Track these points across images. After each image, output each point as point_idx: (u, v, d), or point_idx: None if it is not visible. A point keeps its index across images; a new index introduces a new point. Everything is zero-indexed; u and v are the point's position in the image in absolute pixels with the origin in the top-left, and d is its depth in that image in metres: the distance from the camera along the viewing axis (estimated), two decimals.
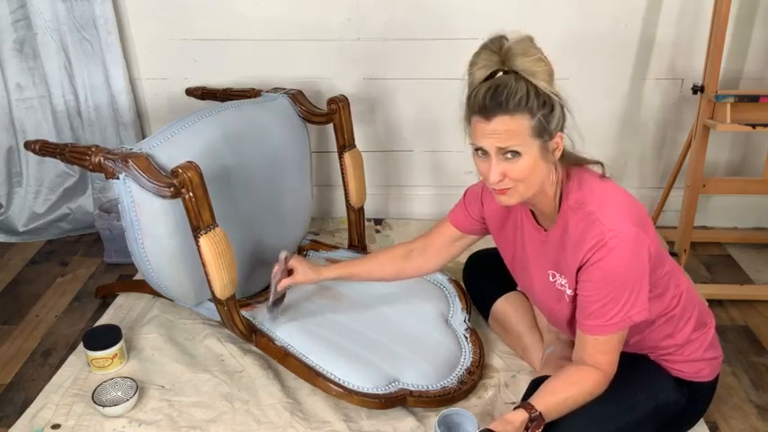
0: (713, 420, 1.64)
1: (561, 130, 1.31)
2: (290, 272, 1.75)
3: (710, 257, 2.35)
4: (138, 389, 1.68)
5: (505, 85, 1.25)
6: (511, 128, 1.26)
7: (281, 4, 2.29)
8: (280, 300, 1.79)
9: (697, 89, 2.07)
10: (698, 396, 1.51)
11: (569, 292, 1.42)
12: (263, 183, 1.94)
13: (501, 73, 1.29)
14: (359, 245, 2.23)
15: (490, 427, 1.30)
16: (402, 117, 2.46)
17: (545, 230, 1.45)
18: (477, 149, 1.33)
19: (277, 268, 1.74)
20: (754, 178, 2.36)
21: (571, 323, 1.48)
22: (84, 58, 2.32)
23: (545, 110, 1.27)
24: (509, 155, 1.29)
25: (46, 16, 2.25)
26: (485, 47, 1.29)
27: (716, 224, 2.52)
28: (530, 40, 1.27)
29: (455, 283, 2.02)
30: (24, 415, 1.67)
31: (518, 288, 1.85)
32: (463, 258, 2.03)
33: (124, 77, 2.34)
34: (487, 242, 1.94)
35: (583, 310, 1.37)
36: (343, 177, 2.13)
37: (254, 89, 2.15)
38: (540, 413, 1.33)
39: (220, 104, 1.95)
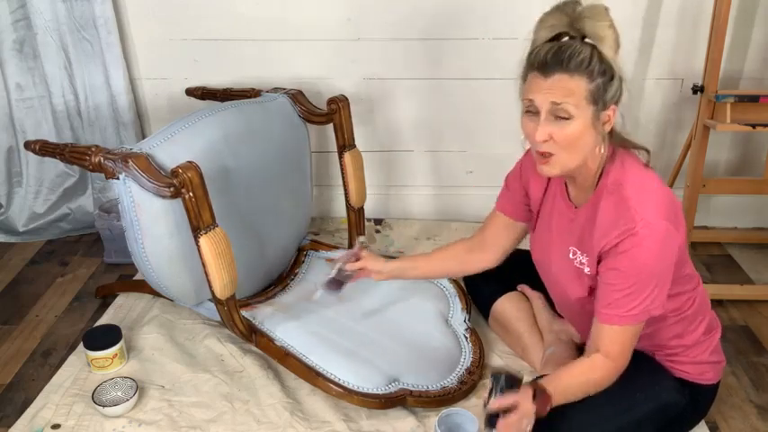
0: (713, 420, 1.64)
1: (616, 103, 1.29)
2: (356, 257, 1.72)
3: (710, 257, 2.35)
4: (138, 389, 1.68)
5: (569, 45, 1.25)
6: (569, 86, 1.25)
7: (281, 4, 2.29)
8: (341, 282, 1.72)
9: (697, 89, 2.07)
10: (699, 398, 1.52)
11: (587, 270, 1.41)
12: (263, 183, 1.94)
13: (567, 38, 1.28)
14: None
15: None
16: (402, 117, 2.46)
17: (575, 208, 1.44)
18: (527, 108, 1.31)
19: (347, 253, 1.72)
20: (754, 178, 2.36)
21: (581, 305, 1.47)
22: (84, 58, 2.32)
23: (604, 77, 1.25)
24: (559, 117, 1.27)
25: (46, 16, 2.25)
26: (557, 8, 1.28)
27: (716, 224, 2.52)
28: (603, 8, 1.25)
29: (455, 282, 2.02)
30: (24, 415, 1.67)
31: (518, 288, 1.85)
32: None
33: (124, 77, 2.34)
34: None
35: (603, 298, 1.35)
36: (343, 177, 2.13)
37: (254, 89, 2.15)
38: (545, 389, 1.32)
39: (220, 104, 1.94)
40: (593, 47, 1.24)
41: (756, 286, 2.18)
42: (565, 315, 1.69)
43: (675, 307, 1.43)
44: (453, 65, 2.33)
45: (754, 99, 2.00)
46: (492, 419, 1.31)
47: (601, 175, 1.37)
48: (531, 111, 1.30)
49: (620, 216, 1.30)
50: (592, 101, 1.26)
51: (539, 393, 1.31)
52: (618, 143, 1.37)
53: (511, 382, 1.32)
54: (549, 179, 1.51)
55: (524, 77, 1.32)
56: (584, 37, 1.27)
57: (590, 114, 1.27)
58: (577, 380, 1.36)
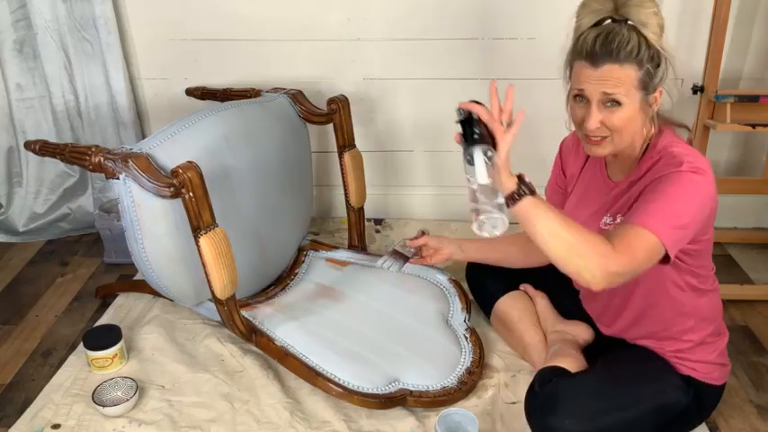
0: (713, 420, 1.64)
1: (663, 85, 1.33)
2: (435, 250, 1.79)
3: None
4: (138, 389, 1.68)
5: (617, 33, 1.26)
6: (619, 76, 1.27)
7: (281, 4, 2.29)
8: (405, 257, 1.77)
9: (697, 89, 2.07)
10: (703, 398, 1.52)
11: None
12: (263, 183, 1.94)
13: (610, 21, 1.29)
14: (359, 245, 2.23)
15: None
16: (402, 117, 2.46)
17: (613, 182, 1.46)
18: (576, 96, 1.34)
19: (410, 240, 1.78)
20: (754, 178, 2.36)
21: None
22: (84, 58, 2.32)
23: (652, 63, 1.29)
24: (610, 104, 1.30)
25: (46, 16, 2.25)
26: None
27: (716, 224, 2.50)
28: None
29: (455, 282, 2.02)
30: (24, 415, 1.67)
31: (521, 287, 1.85)
32: None
33: (124, 77, 2.34)
34: None
35: (635, 207, 1.31)
36: (343, 177, 2.13)
37: (254, 89, 2.15)
38: (533, 189, 1.25)
39: (220, 104, 1.95)
40: (640, 33, 1.26)
41: (756, 286, 2.17)
42: (587, 302, 1.66)
43: (695, 266, 1.42)
44: (453, 65, 2.33)
45: (754, 99, 2.00)
46: (471, 148, 1.23)
47: (646, 150, 1.39)
48: (580, 97, 1.33)
49: (667, 165, 1.32)
50: (641, 87, 1.30)
51: (522, 186, 1.25)
52: (661, 121, 1.40)
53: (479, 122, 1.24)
54: (588, 156, 1.52)
55: (570, 64, 1.34)
56: (627, 20, 1.28)
57: (639, 99, 1.31)
58: (577, 232, 1.23)
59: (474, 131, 1.24)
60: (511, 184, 1.24)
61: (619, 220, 1.41)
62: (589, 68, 1.29)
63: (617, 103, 1.30)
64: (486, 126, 1.25)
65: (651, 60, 1.29)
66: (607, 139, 1.35)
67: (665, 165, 1.33)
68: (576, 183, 1.59)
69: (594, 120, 1.31)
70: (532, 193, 1.24)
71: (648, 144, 1.40)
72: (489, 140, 1.25)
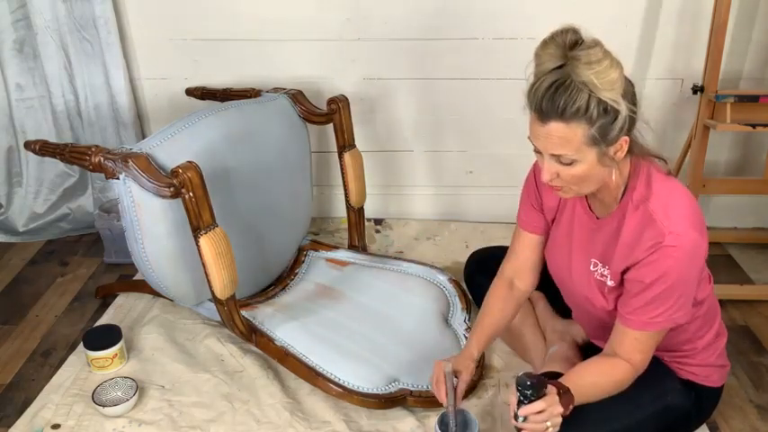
0: (713, 420, 1.64)
1: (627, 133, 1.26)
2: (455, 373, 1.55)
3: (710, 257, 2.32)
4: (138, 389, 1.68)
5: (565, 88, 1.19)
6: (565, 135, 1.22)
7: (281, 4, 2.29)
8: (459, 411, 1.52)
9: (697, 89, 2.07)
10: (704, 400, 1.52)
11: (611, 283, 1.39)
12: (263, 183, 1.94)
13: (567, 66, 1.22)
14: (359, 245, 2.23)
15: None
16: (402, 117, 2.46)
17: (597, 218, 1.42)
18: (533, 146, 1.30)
19: (448, 383, 1.49)
20: (754, 178, 2.36)
21: (606, 316, 1.44)
22: (84, 58, 2.31)
23: (606, 118, 1.21)
24: (562, 162, 1.26)
25: (46, 16, 2.25)
26: (552, 39, 1.24)
27: (716, 224, 2.52)
28: (599, 51, 1.19)
29: (455, 282, 2.02)
30: (24, 415, 1.67)
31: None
32: (463, 258, 2.03)
33: (124, 77, 2.34)
34: (487, 241, 1.95)
35: (627, 304, 1.34)
36: (343, 177, 2.13)
37: (254, 89, 2.15)
38: (569, 389, 1.32)
39: (220, 104, 1.95)
40: (591, 90, 1.18)
41: (756, 286, 2.18)
42: (583, 324, 1.66)
43: (693, 311, 1.42)
44: (453, 65, 2.33)
45: (754, 99, 2.00)
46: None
47: (625, 190, 1.35)
48: (536, 149, 1.30)
49: (647, 231, 1.29)
50: (594, 143, 1.23)
51: (563, 395, 1.31)
52: (638, 154, 1.34)
53: (538, 387, 1.30)
54: None
55: (529, 108, 1.28)
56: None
57: (594, 154, 1.25)
58: (597, 381, 1.36)
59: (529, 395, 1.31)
60: (563, 410, 1.32)
61: (607, 271, 1.39)
62: (537, 123, 1.24)
63: (569, 162, 1.25)
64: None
65: (605, 114, 1.20)
66: (565, 187, 1.32)
67: (646, 235, 1.29)
68: (558, 216, 1.53)
69: (546, 173, 1.29)
70: (568, 395, 1.32)
71: (627, 184, 1.35)
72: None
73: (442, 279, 2.03)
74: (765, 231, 2.49)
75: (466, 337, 1.83)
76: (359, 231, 2.22)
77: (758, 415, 1.67)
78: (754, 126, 1.99)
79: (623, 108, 1.21)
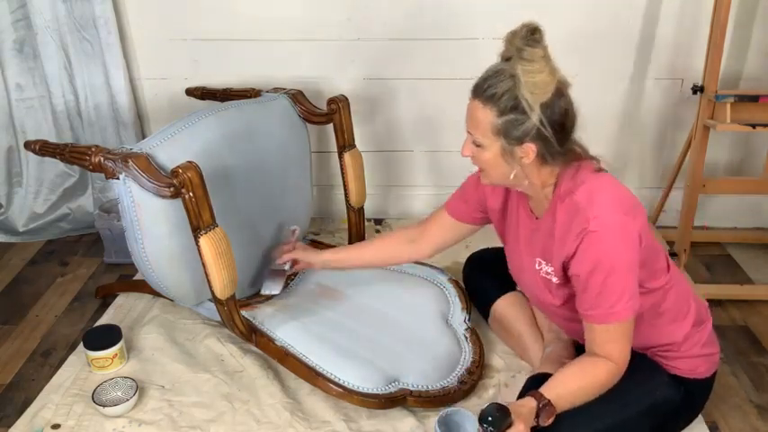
0: (713, 420, 1.64)
1: (534, 142, 1.30)
2: (294, 261, 1.88)
3: (710, 257, 2.35)
4: (138, 389, 1.68)
5: (497, 74, 1.29)
6: (478, 116, 1.32)
7: (281, 3, 2.29)
8: (281, 272, 1.91)
9: (697, 89, 2.07)
10: (694, 393, 1.51)
11: (555, 280, 1.43)
12: (263, 183, 1.94)
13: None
14: None
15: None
16: (402, 117, 2.46)
17: (536, 218, 1.46)
18: None
19: (280, 245, 1.89)
20: (754, 178, 2.36)
21: (558, 312, 1.50)
22: (84, 58, 2.32)
23: (514, 115, 1.28)
24: (475, 140, 1.35)
25: (46, 16, 2.25)
26: (511, 32, 1.30)
27: (716, 224, 2.52)
28: (540, 54, 1.26)
29: (455, 282, 2.02)
30: (24, 415, 1.67)
31: (517, 288, 1.85)
32: (463, 258, 2.03)
33: (124, 77, 2.34)
34: (487, 242, 1.95)
35: (582, 302, 1.36)
36: (343, 177, 2.13)
37: (254, 89, 2.15)
38: (549, 401, 1.32)
39: (220, 104, 1.95)
40: (514, 83, 1.26)
41: (756, 286, 2.18)
42: (547, 316, 1.70)
43: (652, 302, 1.43)
44: (453, 65, 2.33)
45: (754, 99, 2.00)
46: None
47: (555, 188, 1.39)
48: None
49: (573, 220, 1.33)
50: (500, 134, 1.30)
51: (543, 408, 1.32)
52: (571, 159, 1.38)
53: (499, 420, 1.28)
54: (508, 191, 1.55)
55: None
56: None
57: (499, 147, 1.32)
58: (580, 383, 1.36)
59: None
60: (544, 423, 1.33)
61: (550, 268, 1.43)
62: (469, 99, 1.34)
63: (478, 144, 1.34)
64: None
65: (513, 111, 1.27)
66: (482, 172, 1.41)
67: (573, 224, 1.33)
68: (507, 219, 1.58)
69: (463, 149, 1.39)
70: (549, 407, 1.33)
71: (557, 182, 1.39)
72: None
73: (442, 279, 2.03)
74: (765, 231, 2.49)
75: (466, 337, 1.83)
76: (359, 231, 2.22)
77: (758, 415, 1.67)
78: (753, 126, 1.99)
79: (534, 115, 1.27)
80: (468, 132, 1.36)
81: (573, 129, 1.35)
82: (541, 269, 1.46)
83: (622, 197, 1.35)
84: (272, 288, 1.93)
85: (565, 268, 1.39)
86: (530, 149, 1.31)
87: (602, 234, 1.30)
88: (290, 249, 1.89)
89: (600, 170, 1.39)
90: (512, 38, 1.28)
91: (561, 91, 1.30)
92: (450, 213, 1.71)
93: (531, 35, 1.26)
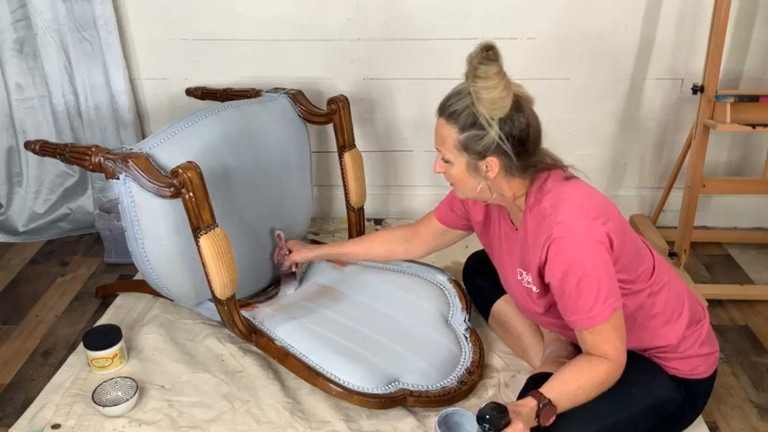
0: (713, 420, 1.64)
1: (496, 156, 1.34)
2: (288, 250, 1.95)
3: (710, 257, 2.35)
4: (138, 389, 1.68)
5: (457, 93, 1.36)
6: (443, 133, 1.38)
7: (281, 4, 2.29)
8: (291, 274, 2.01)
9: (697, 89, 2.07)
10: (695, 394, 1.51)
11: (535, 289, 1.45)
12: (263, 183, 1.94)
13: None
14: None
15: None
16: (402, 117, 2.46)
17: (516, 229, 1.49)
18: None
19: (278, 250, 1.97)
20: (754, 178, 2.36)
21: (546, 319, 1.52)
22: (84, 59, 2.32)
23: (474, 130, 1.33)
24: (443, 156, 1.40)
25: (46, 16, 2.25)
26: (473, 51, 1.33)
27: (716, 224, 2.52)
28: (495, 71, 1.29)
29: (455, 282, 2.02)
30: (24, 415, 1.67)
31: None
32: (463, 258, 2.03)
33: (124, 77, 2.34)
34: None
35: (563, 309, 1.38)
36: (343, 177, 2.14)
37: (254, 89, 2.15)
38: (549, 400, 1.33)
39: (220, 104, 1.95)
40: (473, 101, 1.31)
41: (756, 286, 2.18)
42: (544, 327, 1.73)
43: (639, 305, 1.43)
44: (453, 65, 2.32)
45: (754, 99, 2.00)
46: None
47: (526, 198, 1.43)
48: None
49: (540, 228, 1.36)
50: (463, 149, 1.36)
51: (543, 409, 1.32)
52: (541, 169, 1.41)
53: (496, 419, 1.28)
54: (488, 204, 1.57)
55: None
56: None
57: (465, 162, 1.38)
58: (579, 383, 1.36)
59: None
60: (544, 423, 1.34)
61: (529, 278, 1.45)
62: (436, 117, 1.40)
63: (447, 160, 1.40)
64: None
65: (474, 126, 1.33)
66: (454, 186, 1.48)
67: (540, 232, 1.36)
68: (488, 231, 1.62)
69: (435, 165, 1.45)
70: (549, 407, 1.33)
71: (528, 193, 1.42)
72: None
73: (442, 279, 2.03)
74: (765, 231, 2.50)
75: (466, 337, 1.83)
76: (359, 231, 2.22)
77: (758, 415, 1.67)
78: (753, 126, 1.99)
79: (492, 131, 1.32)
80: (437, 149, 1.42)
81: (537, 141, 1.39)
82: (523, 279, 1.49)
83: (589, 202, 1.37)
84: (289, 289, 2.01)
85: (541, 276, 1.41)
86: (493, 163, 1.36)
87: (567, 240, 1.32)
88: (285, 253, 1.96)
89: (569, 177, 1.42)
90: (470, 58, 1.32)
91: (520, 106, 1.34)
92: (438, 219, 1.77)
93: (485, 53, 1.30)
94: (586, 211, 1.34)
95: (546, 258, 1.35)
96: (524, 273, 1.47)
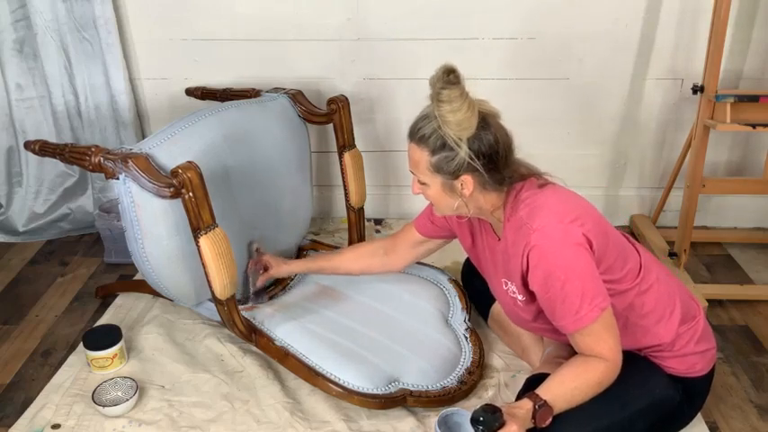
0: (713, 420, 1.64)
1: (469, 173, 1.37)
2: (265, 267, 1.91)
3: (710, 257, 2.35)
4: (138, 389, 1.68)
5: (425, 118, 1.38)
6: (415, 157, 1.41)
7: (281, 4, 2.29)
8: (262, 290, 1.96)
9: (697, 89, 2.07)
10: (694, 391, 1.50)
11: (521, 297, 1.46)
12: (263, 183, 1.94)
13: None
14: None
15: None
16: (402, 117, 2.45)
17: (499, 240, 1.51)
18: None
19: (251, 263, 1.90)
20: (754, 178, 2.36)
21: (537, 326, 1.52)
22: (84, 59, 2.32)
23: (444, 152, 1.36)
24: (418, 179, 1.44)
25: (46, 16, 2.25)
26: (435, 74, 1.35)
27: (716, 224, 2.52)
28: (458, 93, 1.31)
29: (455, 283, 2.02)
30: (24, 415, 1.67)
31: None
32: (463, 258, 2.03)
33: (124, 77, 2.34)
34: None
35: (551, 315, 1.39)
36: (343, 177, 2.13)
37: (254, 89, 2.15)
38: (545, 401, 1.33)
39: (220, 104, 1.95)
40: (438, 124, 1.34)
41: (756, 286, 2.18)
42: (537, 334, 1.73)
43: (628, 304, 1.43)
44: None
45: (754, 99, 2.00)
46: None
47: (504, 209, 1.45)
48: None
49: (518, 237, 1.38)
50: (436, 171, 1.39)
51: (539, 409, 1.32)
52: (515, 180, 1.43)
53: (489, 421, 1.28)
54: (470, 220, 1.59)
55: None
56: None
57: (440, 182, 1.41)
58: (576, 383, 1.36)
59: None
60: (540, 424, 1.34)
61: (514, 287, 1.47)
62: (407, 141, 1.43)
63: (423, 182, 1.44)
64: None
65: (443, 148, 1.36)
66: (433, 206, 1.51)
67: (519, 240, 1.38)
68: (475, 244, 1.63)
69: (412, 187, 1.49)
70: (545, 408, 1.33)
71: (504, 205, 1.45)
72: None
73: (442, 279, 2.03)
74: (765, 231, 2.50)
75: (466, 337, 1.83)
76: (359, 231, 2.22)
77: (758, 415, 1.67)
78: (753, 126, 1.99)
79: (462, 151, 1.34)
80: (411, 172, 1.45)
81: (507, 154, 1.40)
82: (508, 289, 1.50)
83: (564, 207, 1.38)
84: (259, 302, 1.95)
85: (526, 285, 1.41)
86: (467, 181, 1.39)
87: (545, 246, 1.33)
88: (261, 267, 1.91)
89: (543, 185, 1.44)
90: (433, 82, 1.34)
91: (487, 122, 1.36)
92: (418, 230, 1.77)
93: (446, 77, 1.32)
94: (562, 215, 1.35)
95: (527, 267, 1.36)
96: (509, 282, 1.49)
